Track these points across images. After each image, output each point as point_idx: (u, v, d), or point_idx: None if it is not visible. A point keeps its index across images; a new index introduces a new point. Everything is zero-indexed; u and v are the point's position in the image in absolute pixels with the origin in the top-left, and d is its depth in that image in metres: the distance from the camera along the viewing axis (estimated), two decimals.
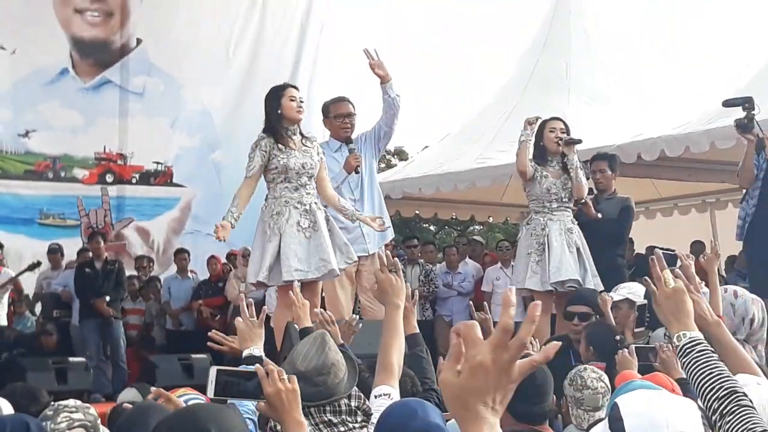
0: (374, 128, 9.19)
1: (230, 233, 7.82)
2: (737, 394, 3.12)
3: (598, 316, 7.57)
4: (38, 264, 14.38)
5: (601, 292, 8.13)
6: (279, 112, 7.93)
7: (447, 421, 3.76)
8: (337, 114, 9.01)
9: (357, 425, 4.09)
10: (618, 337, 6.75)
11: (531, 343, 6.72)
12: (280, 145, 7.86)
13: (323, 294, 8.92)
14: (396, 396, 4.07)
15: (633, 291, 7.63)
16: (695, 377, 3.25)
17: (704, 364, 3.25)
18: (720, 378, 3.18)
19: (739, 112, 8.91)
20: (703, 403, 3.20)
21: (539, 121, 9.18)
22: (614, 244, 9.78)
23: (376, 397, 4.09)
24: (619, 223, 9.83)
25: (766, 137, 8.58)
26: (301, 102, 8.11)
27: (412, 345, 5.83)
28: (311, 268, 7.85)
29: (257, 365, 3.46)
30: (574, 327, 7.60)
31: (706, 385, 3.19)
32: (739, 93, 10.70)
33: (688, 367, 3.30)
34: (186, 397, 4.41)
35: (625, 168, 10.93)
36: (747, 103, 8.81)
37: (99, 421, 4.18)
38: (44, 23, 16.40)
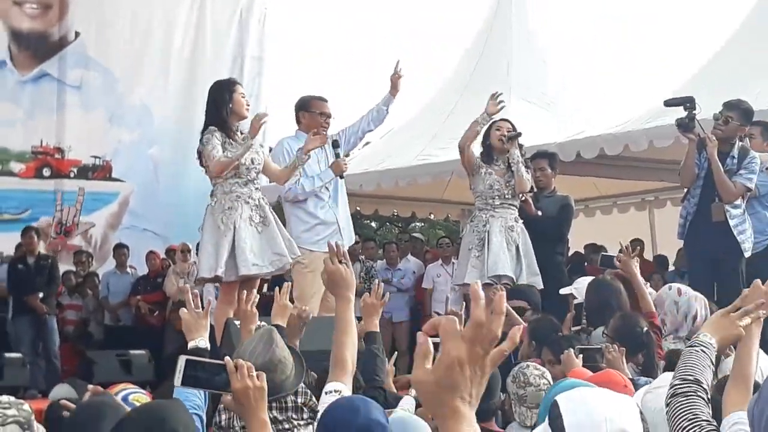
0: (344, 131, 9.25)
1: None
2: (700, 385, 3.22)
3: (535, 311, 7.64)
4: None
5: (497, 284, 8.23)
6: (230, 106, 7.90)
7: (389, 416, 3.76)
8: (321, 112, 9.01)
9: (302, 422, 4.08)
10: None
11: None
12: (230, 140, 7.83)
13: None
14: (347, 393, 4.05)
15: (578, 288, 7.69)
16: (683, 360, 3.41)
17: (696, 358, 3.39)
18: (697, 369, 3.31)
19: (680, 112, 8.98)
20: (671, 381, 3.30)
21: (501, 105, 9.15)
22: (553, 242, 9.85)
23: (326, 393, 4.06)
24: (559, 221, 9.90)
25: (707, 136, 8.66)
26: (248, 99, 8.15)
27: (369, 342, 5.84)
28: (265, 263, 7.88)
29: (227, 358, 3.44)
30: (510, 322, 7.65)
31: (683, 367, 3.35)
32: (679, 92, 10.83)
33: (685, 353, 3.45)
34: (126, 392, 4.37)
35: (565, 166, 10.99)
36: (688, 102, 8.87)
37: (33, 417, 4.13)
38: None
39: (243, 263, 7.76)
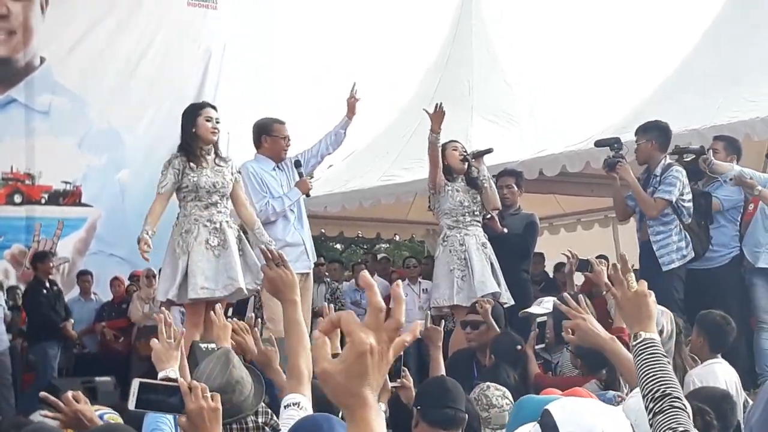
0: (303, 154, 9.27)
1: (150, 249, 7.79)
2: (671, 397, 3.21)
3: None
4: None
5: (480, 298, 8.22)
6: (193, 131, 7.95)
7: None
8: (284, 135, 9.04)
9: None
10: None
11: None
12: (191, 164, 7.86)
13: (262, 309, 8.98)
14: (306, 404, 4.01)
15: (545, 306, 7.71)
16: (640, 376, 3.37)
17: (650, 365, 3.36)
18: (660, 380, 3.30)
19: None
20: (644, 402, 3.28)
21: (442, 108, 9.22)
22: (519, 260, 9.89)
23: (285, 407, 4.03)
24: (524, 238, 9.95)
25: (618, 164, 8.98)
26: (218, 122, 8.14)
27: None
28: (218, 287, 7.86)
29: (180, 379, 3.42)
30: (467, 335, 7.73)
31: (647, 385, 3.31)
32: (640, 109, 10.94)
33: (637, 366, 3.41)
34: (99, 412, 4.36)
35: (528, 184, 11.03)
36: (615, 143, 9.26)
37: None
38: None
39: (192, 287, 7.77)
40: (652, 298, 3.60)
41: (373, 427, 1.87)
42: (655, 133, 9.07)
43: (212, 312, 5.60)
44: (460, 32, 15.78)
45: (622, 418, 3.13)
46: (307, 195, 9.05)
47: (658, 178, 8.90)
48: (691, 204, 8.90)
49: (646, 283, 3.64)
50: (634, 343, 3.48)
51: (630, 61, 15.24)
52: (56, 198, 16.68)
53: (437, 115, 9.14)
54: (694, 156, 9.19)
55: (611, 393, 5.29)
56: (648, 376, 3.33)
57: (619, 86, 14.13)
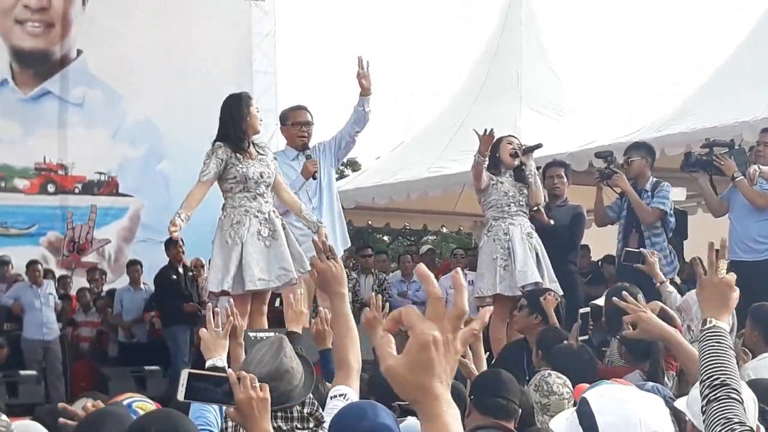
0: (335, 138, 9.16)
1: (180, 229, 7.71)
2: (730, 387, 3.17)
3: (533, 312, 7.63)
4: None
5: (546, 293, 8.17)
6: (248, 120, 7.90)
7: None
8: (295, 122, 8.98)
9: None
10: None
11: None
12: (237, 155, 7.82)
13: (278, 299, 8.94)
14: (353, 396, 4.02)
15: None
16: (702, 361, 3.33)
17: (715, 353, 3.31)
18: (722, 368, 3.25)
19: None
20: (699, 389, 3.26)
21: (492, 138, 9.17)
22: (566, 251, 9.84)
23: (331, 398, 4.05)
24: (571, 230, 9.91)
25: (612, 172, 9.67)
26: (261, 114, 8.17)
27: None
28: (272, 277, 7.87)
29: (229, 370, 3.44)
30: (512, 316, 8.19)
31: (708, 371, 3.27)
32: (690, 99, 10.87)
33: (700, 351, 3.37)
34: (130, 399, 4.37)
35: (576, 175, 10.98)
36: (609, 156, 10.06)
37: (12, 427, 4.14)
38: None
39: (249, 278, 7.75)
40: (736, 293, 3.53)
41: (446, 420, 1.83)
42: (646, 151, 9.78)
43: (290, 296, 5.68)
44: (508, 22, 15.72)
45: (661, 406, 3.10)
46: (314, 177, 8.83)
47: (649, 193, 9.56)
48: (674, 220, 9.63)
49: (735, 276, 3.58)
50: (703, 328, 3.43)
51: (680, 52, 15.13)
52: (90, 188, 16.88)
53: (487, 139, 9.05)
54: (726, 149, 9.27)
55: (650, 384, 5.24)
56: (710, 362, 3.28)
57: (670, 77, 14.04)
